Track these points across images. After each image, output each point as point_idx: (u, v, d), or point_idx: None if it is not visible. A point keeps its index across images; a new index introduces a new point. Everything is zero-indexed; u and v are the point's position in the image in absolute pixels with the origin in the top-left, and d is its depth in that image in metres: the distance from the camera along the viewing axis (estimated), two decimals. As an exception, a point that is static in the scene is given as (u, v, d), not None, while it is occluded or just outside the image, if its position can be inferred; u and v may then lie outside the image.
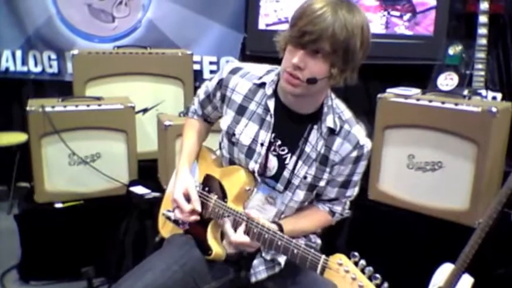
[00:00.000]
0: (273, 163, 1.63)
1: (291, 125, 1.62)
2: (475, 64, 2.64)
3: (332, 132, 1.60)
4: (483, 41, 2.61)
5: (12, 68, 3.81)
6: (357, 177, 1.68)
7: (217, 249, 1.65)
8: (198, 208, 1.65)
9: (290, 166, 1.62)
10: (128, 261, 2.60)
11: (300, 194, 1.65)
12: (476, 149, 2.26)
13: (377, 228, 2.52)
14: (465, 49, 2.80)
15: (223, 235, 1.69)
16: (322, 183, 1.64)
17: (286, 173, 1.62)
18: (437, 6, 2.83)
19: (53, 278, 2.74)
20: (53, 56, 3.76)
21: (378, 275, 1.33)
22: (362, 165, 1.66)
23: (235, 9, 3.58)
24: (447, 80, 2.76)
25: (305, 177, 1.62)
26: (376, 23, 2.98)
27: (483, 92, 2.62)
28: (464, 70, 2.77)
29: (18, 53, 3.77)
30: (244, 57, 3.55)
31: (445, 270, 1.91)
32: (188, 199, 1.66)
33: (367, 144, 1.63)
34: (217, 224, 1.68)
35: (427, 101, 2.39)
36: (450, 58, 2.83)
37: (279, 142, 1.63)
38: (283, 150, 1.63)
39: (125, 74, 3.17)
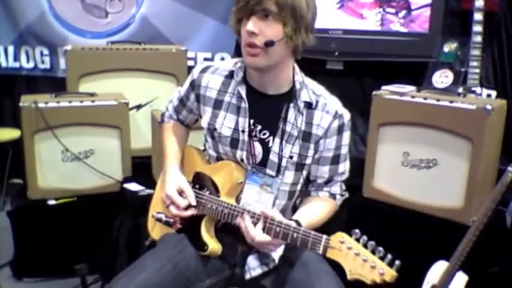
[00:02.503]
0: (257, 149, 1.66)
1: (267, 108, 1.65)
2: (470, 61, 2.64)
3: (309, 106, 1.65)
4: (478, 39, 2.61)
5: (4, 64, 3.78)
6: (344, 150, 1.72)
7: (212, 244, 1.65)
8: (193, 202, 1.67)
9: (275, 148, 1.64)
10: (121, 258, 2.59)
11: (289, 176, 1.67)
12: (471, 147, 2.26)
13: (371, 226, 2.51)
14: (460, 46, 2.80)
15: (217, 230, 1.69)
16: (308, 161, 1.67)
17: (272, 157, 1.65)
18: (433, 3, 2.83)
19: (46, 275, 2.73)
20: (46, 52, 3.73)
21: (380, 248, 1.33)
22: (346, 136, 1.70)
23: (230, 5, 3.52)
24: (442, 78, 2.76)
25: (291, 157, 1.65)
26: (371, 20, 2.98)
27: (478, 89, 2.62)
28: (459, 67, 2.77)
29: (11, 49, 3.75)
30: (238, 53, 3.54)
31: (439, 267, 1.91)
32: (181, 195, 1.68)
33: (345, 113, 1.68)
34: (210, 220, 1.69)
35: (422, 98, 2.38)
36: (445, 55, 2.83)
37: (259, 127, 1.66)
38: (264, 134, 1.66)
39: (118, 70, 3.14)
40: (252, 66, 1.59)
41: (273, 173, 1.65)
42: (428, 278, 1.96)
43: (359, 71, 3.21)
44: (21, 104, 2.63)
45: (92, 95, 2.82)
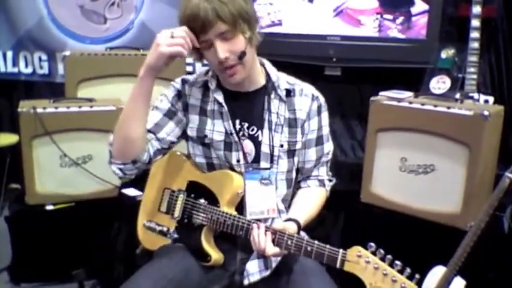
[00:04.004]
0: (249, 146, 1.70)
1: (249, 105, 1.71)
2: (467, 68, 2.65)
3: (288, 94, 1.73)
4: (475, 45, 2.62)
5: (3, 69, 3.79)
6: (326, 131, 1.80)
7: (215, 254, 1.66)
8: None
9: (265, 140, 1.68)
10: (119, 263, 2.58)
11: (283, 164, 1.72)
12: (469, 153, 2.26)
13: (369, 231, 2.52)
14: (457, 53, 2.81)
15: (216, 239, 1.69)
16: (298, 146, 1.73)
17: (264, 148, 1.69)
18: (430, 9, 2.83)
19: (44, 280, 2.72)
20: (44, 57, 3.74)
21: (398, 262, 1.35)
22: (325, 116, 1.81)
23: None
24: (439, 84, 2.76)
25: (281, 145, 1.70)
26: (369, 26, 2.98)
27: (475, 95, 2.63)
28: (456, 73, 2.78)
29: (9, 54, 3.75)
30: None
31: (437, 273, 1.91)
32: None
33: (320, 96, 1.79)
34: (210, 230, 1.68)
35: (420, 104, 2.39)
36: (442, 61, 2.84)
37: (247, 124, 1.70)
38: (252, 130, 1.70)
39: (117, 75, 3.14)
40: (235, 82, 1.64)
41: (267, 165, 1.69)
42: (426, 283, 1.95)
43: (357, 77, 3.21)
44: (19, 109, 2.63)
45: (90, 100, 2.82)
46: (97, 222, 2.71)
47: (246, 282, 1.64)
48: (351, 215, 2.64)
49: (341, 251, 1.43)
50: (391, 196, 2.51)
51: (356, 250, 1.40)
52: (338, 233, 2.63)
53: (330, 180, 1.85)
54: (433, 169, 2.38)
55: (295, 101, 1.73)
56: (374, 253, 1.38)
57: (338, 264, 1.42)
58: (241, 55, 1.57)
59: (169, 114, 1.75)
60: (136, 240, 1.90)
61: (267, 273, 1.65)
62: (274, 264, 1.65)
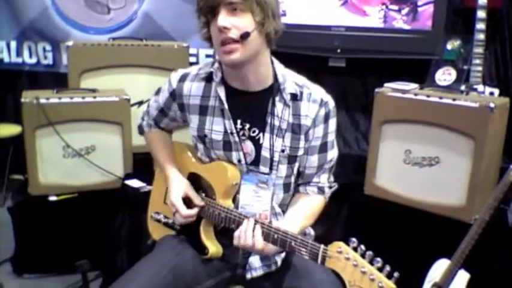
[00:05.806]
0: (250, 147, 1.65)
1: (252, 105, 1.64)
2: (473, 59, 2.63)
3: (295, 98, 1.63)
4: (481, 36, 2.60)
5: (6, 60, 3.79)
6: (331, 137, 1.71)
7: (212, 247, 1.65)
8: (200, 203, 1.66)
9: (266, 144, 1.63)
10: (122, 254, 2.59)
11: (283, 169, 1.66)
12: (474, 145, 2.25)
13: (373, 224, 2.51)
14: (463, 44, 2.79)
15: (219, 232, 1.68)
16: (300, 152, 1.66)
17: (264, 153, 1.63)
18: (436, 0, 2.82)
19: (47, 271, 2.73)
20: (48, 48, 3.74)
21: (378, 259, 1.31)
22: (332, 123, 1.69)
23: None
24: (445, 75, 2.75)
25: (283, 151, 1.63)
26: (374, 17, 2.97)
27: (480, 87, 2.61)
28: (462, 65, 2.76)
29: (13, 44, 3.75)
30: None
31: (441, 265, 1.90)
32: (187, 202, 1.65)
33: (330, 100, 1.67)
34: (208, 222, 1.67)
35: (425, 96, 2.38)
36: (448, 53, 2.82)
37: (248, 125, 1.64)
38: (254, 132, 1.64)
39: (120, 66, 3.14)
40: (231, 63, 1.54)
41: (267, 170, 1.63)
42: (430, 276, 1.95)
43: (361, 68, 3.20)
44: (22, 99, 2.62)
45: (94, 91, 2.82)
46: (100, 213, 2.71)
47: (248, 276, 1.63)
48: (355, 207, 2.63)
49: (322, 246, 1.38)
50: (395, 188, 2.50)
51: (337, 246, 1.36)
52: (341, 225, 2.62)
53: (330, 187, 1.77)
54: (438, 161, 2.37)
55: (302, 106, 1.63)
56: (355, 249, 1.33)
57: (319, 260, 1.38)
58: (245, 35, 1.48)
59: (164, 112, 1.81)
60: (142, 231, 1.90)
61: (271, 269, 1.63)
62: (279, 261, 1.63)
